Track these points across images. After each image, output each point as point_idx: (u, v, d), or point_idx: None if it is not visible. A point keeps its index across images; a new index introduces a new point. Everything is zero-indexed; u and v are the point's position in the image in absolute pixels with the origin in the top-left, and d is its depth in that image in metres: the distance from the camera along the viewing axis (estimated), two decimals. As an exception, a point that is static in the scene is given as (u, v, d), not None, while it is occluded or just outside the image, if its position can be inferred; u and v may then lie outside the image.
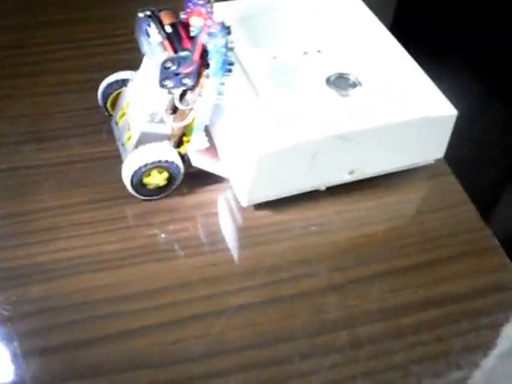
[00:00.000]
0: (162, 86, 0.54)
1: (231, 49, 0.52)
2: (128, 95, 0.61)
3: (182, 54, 0.53)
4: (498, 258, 0.59)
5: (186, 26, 0.55)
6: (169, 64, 0.53)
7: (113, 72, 0.63)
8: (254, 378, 0.50)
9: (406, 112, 0.59)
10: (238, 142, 0.57)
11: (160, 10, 0.56)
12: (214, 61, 0.53)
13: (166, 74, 0.53)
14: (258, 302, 0.54)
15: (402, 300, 0.55)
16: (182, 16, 0.55)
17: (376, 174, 0.62)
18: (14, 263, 0.54)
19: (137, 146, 0.58)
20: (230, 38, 0.52)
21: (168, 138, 0.59)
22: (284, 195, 0.60)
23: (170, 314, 0.52)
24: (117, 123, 0.62)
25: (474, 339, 0.53)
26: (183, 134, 0.59)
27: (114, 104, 0.64)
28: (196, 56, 0.53)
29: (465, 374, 0.51)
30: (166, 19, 0.56)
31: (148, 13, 0.56)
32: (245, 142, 0.56)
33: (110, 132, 0.64)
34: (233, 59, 0.53)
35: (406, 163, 0.63)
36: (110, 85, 0.63)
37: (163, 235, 0.58)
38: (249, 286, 0.55)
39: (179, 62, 0.53)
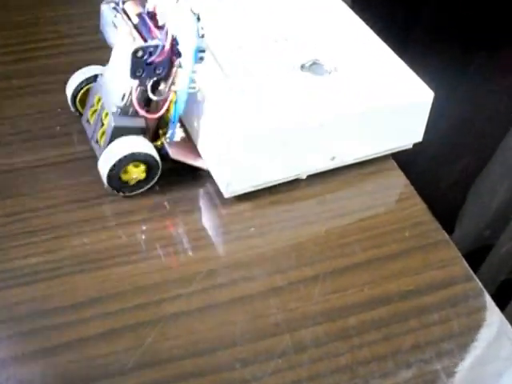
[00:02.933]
0: (135, 76, 0.53)
1: (202, 36, 0.51)
2: (98, 90, 0.59)
3: (153, 42, 0.52)
4: (447, 251, 0.57)
5: (153, 15, 0.54)
6: (140, 53, 0.52)
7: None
8: (191, 388, 0.47)
9: (383, 97, 0.59)
10: (212, 131, 0.56)
11: (124, 2, 0.55)
12: (184, 49, 0.52)
13: (137, 64, 0.52)
14: (195, 308, 0.51)
15: (347, 300, 0.53)
16: (148, 5, 0.54)
17: (358, 160, 0.62)
18: None
19: (111, 141, 0.56)
20: (200, 24, 0.51)
21: (143, 131, 0.57)
22: (265, 185, 0.59)
23: (100, 326, 0.50)
24: (88, 121, 0.60)
25: (423, 336, 0.51)
26: (158, 127, 0.58)
27: (83, 102, 0.62)
28: (167, 44, 0.52)
29: (414, 372, 0.49)
30: (132, 10, 0.55)
31: (112, 4, 0.55)
32: (219, 129, 0.55)
33: (81, 132, 0.62)
34: (204, 46, 0.52)
35: (387, 148, 0.63)
36: (77, 82, 0.61)
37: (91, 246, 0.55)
38: (185, 293, 0.52)
39: (150, 51, 0.52)
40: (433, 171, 1.04)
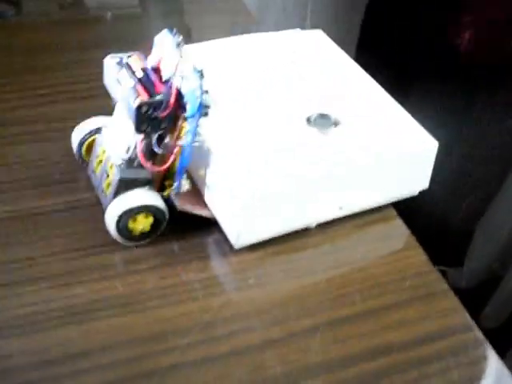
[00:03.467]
0: (139, 130, 0.53)
1: (206, 91, 0.52)
2: (103, 142, 0.59)
3: (158, 97, 0.52)
4: (447, 301, 0.56)
5: (157, 70, 0.54)
6: (144, 108, 0.52)
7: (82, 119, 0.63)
8: None
9: (389, 148, 0.60)
10: (220, 184, 0.57)
11: (128, 56, 0.56)
12: (189, 104, 0.52)
13: (142, 118, 0.52)
14: (192, 360, 0.51)
15: (346, 351, 0.52)
16: (152, 60, 0.55)
17: (366, 208, 0.62)
18: None
19: (117, 192, 0.57)
20: (203, 80, 0.51)
21: (148, 183, 0.57)
22: (275, 235, 0.59)
23: (96, 378, 0.49)
24: (94, 171, 0.60)
25: (424, 387, 0.50)
26: (164, 179, 0.58)
27: (89, 150, 0.62)
28: (172, 99, 0.52)
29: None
30: (136, 64, 0.55)
31: (116, 59, 0.56)
32: (227, 183, 0.56)
33: (80, 180, 0.63)
34: (209, 102, 0.52)
35: (393, 196, 0.63)
36: (82, 132, 0.62)
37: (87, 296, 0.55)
38: (182, 345, 0.51)
39: (155, 106, 0.52)
40: (440, 209, 1.05)
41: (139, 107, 0.52)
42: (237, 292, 0.57)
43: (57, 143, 0.67)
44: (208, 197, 0.59)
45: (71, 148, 0.64)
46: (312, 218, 0.60)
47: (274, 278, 0.58)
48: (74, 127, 0.63)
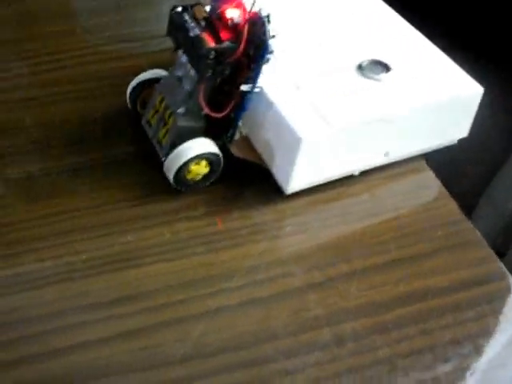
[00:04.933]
0: (203, 77, 0.55)
1: (272, 37, 0.53)
2: (161, 92, 0.61)
3: (225, 44, 0.54)
4: (480, 250, 0.58)
5: (220, 18, 0.55)
6: (211, 55, 0.53)
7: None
8: (237, 379, 0.48)
9: (436, 93, 0.61)
10: (273, 131, 0.58)
11: (191, 6, 0.57)
12: (257, 50, 0.53)
13: (207, 65, 0.54)
14: (237, 303, 0.53)
15: (383, 296, 0.54)
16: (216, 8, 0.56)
17: (409, 156, 0.64)
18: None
19: (174, 141, 0.58)
20: (270, 26, 0.53)
21: (204, 131, 0.59)
22: (323, 181, 0.61)
23: (148, 318, 0.51)
24: (149, 122, 0.62)
25: (460, 332, 0.52)
26: (219, 126, 0.59)
27: (143, 103, 0.64)
28: (241, 46, 0.54)
29: (453, 366, 0.50)
30: (199, 13, 0.56)
31: (180, 9, 0.57)
32: (280, 130, 0.57)
33: (125, 134, 0.65)
34: (273, 48, 0.53)
35: (436, 143, 0.65)
36: (139, 84, 0.64)
37: (137, 243, 0.57)
38: (227, 288, 0.53)
39: (221, 52, 0.54)
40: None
41: (206, 54, 0.53)
42: (277, 239, 0.58)
43: (110, 99, 0.69)
44: (261, 143, 0.60)
45: (123, 103, 0.66)
46: (359, 164, 0.62)
47: (311, 226, 0.59)
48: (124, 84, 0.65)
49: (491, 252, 0.58)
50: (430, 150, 0.65)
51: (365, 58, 0.62)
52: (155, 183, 0.60)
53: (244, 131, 0.61)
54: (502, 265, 0.57)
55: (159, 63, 0.65)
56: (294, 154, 0.56)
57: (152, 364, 0.49)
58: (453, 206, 0.61)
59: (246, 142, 0.61)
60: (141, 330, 0.50)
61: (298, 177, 0.58)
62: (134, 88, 0.64)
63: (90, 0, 0.86)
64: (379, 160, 0.62)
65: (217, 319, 0.51)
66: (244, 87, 0.55)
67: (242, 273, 0.54)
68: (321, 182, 0.61)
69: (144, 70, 0.64)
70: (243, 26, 0.53)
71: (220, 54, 0.53)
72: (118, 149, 0.64)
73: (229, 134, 0.59)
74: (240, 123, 0.59)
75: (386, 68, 0.62)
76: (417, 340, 0.51)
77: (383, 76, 0.61)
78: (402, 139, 0.62)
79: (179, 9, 0.57)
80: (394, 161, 0.63)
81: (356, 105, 0.58)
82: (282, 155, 0.58)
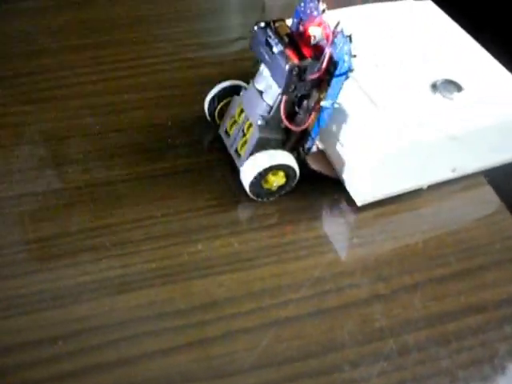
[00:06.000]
0: (287, 92, 0.57)
1: (354, 56, 0.55)
2: (241, 103, 0.63)
3: (308, 61, 0.55)
4: (537, 264, 0.59)
5: (302, 35, 0.57)
6: (295, 71, 0.55)
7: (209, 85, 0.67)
8: (305, 388, 0.50)
9: (503, 113, 0.63)
10: (354, 145, 0.60)
11: (274, 22, 0.59)
12: (338, 67, 0.55)
13: (291, 80, 0.56)
14: (306, 313, 0.55)
15: (445, 307, 0.56)
16: (297, 25, 0.58)
17: (473, 171, 0.66)
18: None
19: (252, 152, 0.61)
20: (352, 45, 0.54)
21: (282, 143, 0.61)
22: (394, 194, 0.63)
23: (217, 328, 0.53)
24: (227, 132, 0.65)
25: (518, 343, 0.53)
26: (298, 139, 0.61)
27: (221, 113, 0.66)
28: (324, 63, 0.55)
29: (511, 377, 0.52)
30: (282, 30, 0.58)
31: (263, 24, 0.59)
32: (362, 143, 0.59)
33: (191, 145, 0.68)
34: (354, 66, 0.55)
35: (501, 159, 0.67)
36: (218, 93, 0.66)
37: (206, 253, 0.59)
38: (295, 299, 0.55)
39: (304, 69, 0.55)
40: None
41: (291, 70, 0.55)
42: (344, 250, 0.60)
43: (183, 108, 0.72)
44: (336, 156, 0.62)
45: (197, 112, 0.68)
46: (426, 179, 0.64)
47: (375, 238, 0.61)
48: (198, 93, 0.68)
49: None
50: (492, 167, 0.67)
51: (438, 77, 0.64)
52: (227, 192, 0.63)
53: (320, 145, 0.63)
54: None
55: (232, 73, 0.68)
56: (368, 166, 0.59)
57: (221, 373, 0.51)
58: (510, 220, 0.63)
59: (322, 155, 0.64)
60: (210, 340, 0.52)
61: (371, 189, 0.61)
62: (213, 97, 0.66)
63: (164, 8, 0.88)
64: (446, 175, 0.64)
65: (285, 329, 0.53)
66: (324, 103, 0.57)
67: (309, 283, 0.56)
68: (391, 195, 0.63)
69: (216, 79, 0.66)
70: (326, 45, 0.55)
71: (303, 70, 0.55)
72: (192, 158, 0.67)
73: (306, 147, 0.61)
74: (317, 137, 0.61)
75: (457, 87, 0.63)
76: (476, 351, 0.53)
77: (455, 95, 0.62)
78: (468, 156, 0.64)
79: (262, 24, 0.59)
80: (458, 176, 0.65)
81: (428, 121, 0.60)
82: (356, 168, 0.60)
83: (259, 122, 0.59)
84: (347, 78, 0.56)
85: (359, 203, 0.62)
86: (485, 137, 0.63)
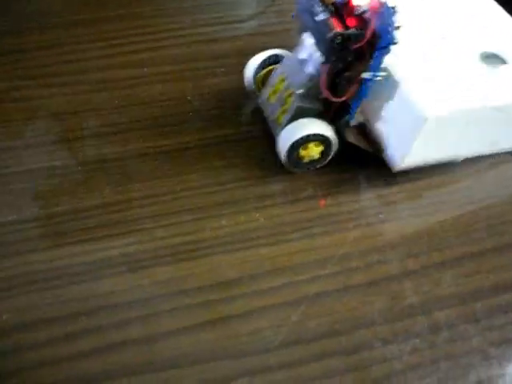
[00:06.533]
0: (328, 61, 0.56)
1: (398, 27, 0.54)
2: (283, 72, 0.62)
3: (352, 30, 0.54)
4: None
5: (346, 5, 0.56)
6: (338, 40, 0.54)
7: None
8: (336, 365, 0.49)
9: None
10: (401, 109, 0.58)
11: None
12: (381, 39, 0.54)
13: (333, 50, 0.55)
14: (334, 289, 0.54)
15: (475, 285, 0.55)
16: None
17: (509, 149, 0.65)
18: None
19: (291, 121, 0.60)
20: (396, 17, 0.53)
21: (321, 114, 0.60)
22: (430, 162, 0.62)
23: (244, 305, 0.52)
24: (268, 100, 0.63)
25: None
26: (338, 111, 0.60)
27: (262, 82, 0.66)
28: (368, 33, 0.54)
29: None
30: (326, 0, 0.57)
31: None
32: (411, 106, 0.57)
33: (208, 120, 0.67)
34: (397, 39, 0.54)
35: None
36: (258, 63, 0.65)
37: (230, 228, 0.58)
38: (322, 275, 0.54)
39: (347, 38, 0.54)
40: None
41: (333, 38, 0.54)
42: (373, 226, 0.59)
43: (218, 79, 0.71)
44: (379, 126, 0.61)
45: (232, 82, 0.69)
46: (465, 151, 0.63)
47: (402, 214, 0.60)
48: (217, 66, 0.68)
49: None
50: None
51: (489, 49, 0.63)
52: (259, 165, 0.62)
53: (360, 118, 0.62)
54: None
55: (249, 48, 0.68)
56: (415, 130, 0.57)
57: (249, 351, 0.50)
58: None
59: (361, 128, 0.62)
60: (236, 317, 0.51)
61: (411, 154, 0.59)
62: (255, 66, 0.66)
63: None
64: (485, 148, 0.63)
65: (314, 305, 0.52)
66: (365, 75, 0.56)
67: (335, 260, 0.55)
68: (428, 164, 0.62)
69: (232, 54, 0.68)
70: (371, 15, 0.54)
71: (346, 39, 0.54)
72: (228, 129, 0.66)
73: (346, 119, 0.60)
74: (358, 110, 0.60)
75: (502, 61, 0.62)
76: (507, 330, 0.52)
77: (501, 67, 0.62)
78: (507, 132, 0.63)
79: None
80: (497, 152, 0.64)
81: (473, 91, 0.59)
82: (400, 133, 0.59)
83: (299, 91, 0.59)
84: (390, 50, 0.55)
85: (396, 168, 0.60)
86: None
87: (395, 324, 0.52)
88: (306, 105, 0.59)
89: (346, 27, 0.55)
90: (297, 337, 0.50)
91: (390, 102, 0.59)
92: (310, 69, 0.59)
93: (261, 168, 0.62)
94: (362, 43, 0.54)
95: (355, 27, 0.54)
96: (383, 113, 0.60)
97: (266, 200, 0.60)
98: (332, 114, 0.60)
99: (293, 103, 0.59)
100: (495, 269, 0.56)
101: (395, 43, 0.54)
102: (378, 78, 0.56)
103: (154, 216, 0.58)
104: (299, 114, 0.59)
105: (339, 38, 0.54)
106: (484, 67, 0.61)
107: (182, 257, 0.55)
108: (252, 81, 0.66)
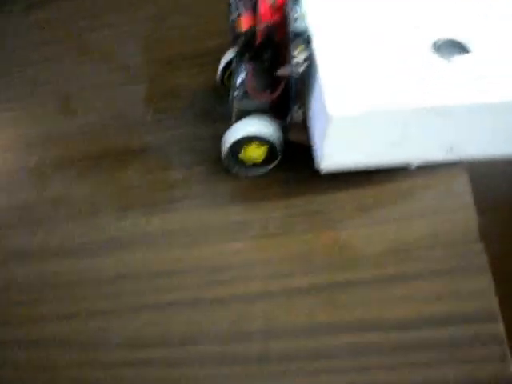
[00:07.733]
0: (242, 58, 0.57)
1: (303, 16, 0.54)
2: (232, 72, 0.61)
3: (253, 28, 0.55)
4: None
5: None
6: (248, 36, 0.55)
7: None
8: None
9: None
10: (320, 105, 0.53)
11: None
12: (296, 31, 0.53)
13: (242, 47, 0.58)
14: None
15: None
16: None
17: (480, 157, 0.57)
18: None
19: (236, 121, 0.60)
20: (306, 7, 0.52)
21: (266, 112, 0.60)
22: (364, 166, 0.57)
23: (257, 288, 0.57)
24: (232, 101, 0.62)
25: None
26: (282, 107, 0.59)
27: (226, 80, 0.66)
28: (281, 27, 0.54)
29: None
30: None
31: None
32: (324, 103, 0.52)
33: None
34: (305, 30, 0.53)
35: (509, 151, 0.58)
36: (225, 61, 0.65)
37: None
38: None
39: (252, 35, 0.56)
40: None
41: (237, 37, 0.54)
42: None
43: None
44: (310, 122, 0.57)
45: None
46: (414, 156, 0.57)
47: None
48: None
49: None
50: (502, 156, 0.58)
51: (443, 36, 0.55)
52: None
53: (303, 115, 0.58)
54: None
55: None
56: (325, 129, 0.53)
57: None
58: (472, 222, 0.57)
59: (302, 124, 0.58)
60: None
61: (335, 155, 0.55)
62: (224, 64, 0.65)
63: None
64: (441, 155, 0.57)
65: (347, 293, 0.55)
66: (280, 71, 0.54)
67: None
68: (361, 167, 0.57)
69: None
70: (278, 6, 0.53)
71: (251, 36, 0.53)
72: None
73: (288, 117, 0.58)
74: (296, 107, 0.58)
75: (462, 49, 0.55)
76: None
77: (457, 59, 0.54)
78: (467, 137, 0.55)
79: None
80: (462, 159, 0.58)
81: (418, 88, 0.52)
82: (318, 132, 0.55)
83: (235, 94, 0.59)
84: (309, 42, 0.52)
85: (322, 170, 0.56)
86: (492, 114, 0.53)
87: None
88: (247, 107, 0.58)
89: (260, 22, 0.54)
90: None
91: (314, 99, 0.55)
92: (241, 71, 0.57)
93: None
94: (278, 39, 0.55)
95: (270, 21, 0.54)
96: (311, 110, 0.57)
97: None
98: (279, 112, 0.58)
99: (234, 105, 0.60)
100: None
101: (302, 35, 0.52)
102: (300, 71, 0.53)
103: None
104: (241, 116, 0.60)
105: (248, 34, 0.54)
106: (434, 59, 0.54)
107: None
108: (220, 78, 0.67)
